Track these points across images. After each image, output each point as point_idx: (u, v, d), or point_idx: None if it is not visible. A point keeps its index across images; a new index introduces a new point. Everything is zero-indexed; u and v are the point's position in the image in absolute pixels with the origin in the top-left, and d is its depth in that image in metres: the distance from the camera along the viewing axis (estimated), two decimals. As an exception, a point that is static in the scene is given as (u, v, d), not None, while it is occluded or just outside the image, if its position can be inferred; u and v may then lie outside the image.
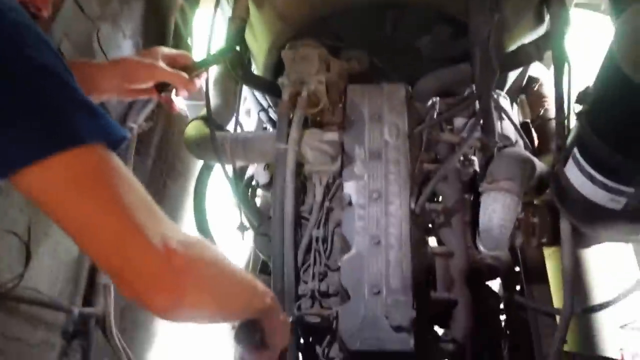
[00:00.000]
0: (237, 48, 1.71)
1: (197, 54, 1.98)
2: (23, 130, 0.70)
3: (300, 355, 1.55)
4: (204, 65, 1.49)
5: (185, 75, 1.37)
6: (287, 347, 1.10)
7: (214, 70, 2.08)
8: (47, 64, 0.74)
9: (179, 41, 2.37)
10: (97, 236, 0.75)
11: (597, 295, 2.21)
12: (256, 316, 1.00)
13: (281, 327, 1.06)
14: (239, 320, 1.00)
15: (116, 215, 0.75)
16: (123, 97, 1.37)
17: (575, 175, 1.36)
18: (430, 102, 1.75)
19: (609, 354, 2.12)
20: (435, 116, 1.73)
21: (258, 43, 1.91)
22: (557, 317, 1.68)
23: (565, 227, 1.56)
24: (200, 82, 1.47)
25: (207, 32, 1.73)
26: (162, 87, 1.38)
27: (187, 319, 0.87)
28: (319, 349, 1.53)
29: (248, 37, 1.92)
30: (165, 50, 1.38)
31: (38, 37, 0.75)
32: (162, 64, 1.33)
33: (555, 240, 1.68)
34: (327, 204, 1.61)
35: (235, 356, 1.84)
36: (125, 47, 2.06)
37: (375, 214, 1.48)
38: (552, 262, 2.12)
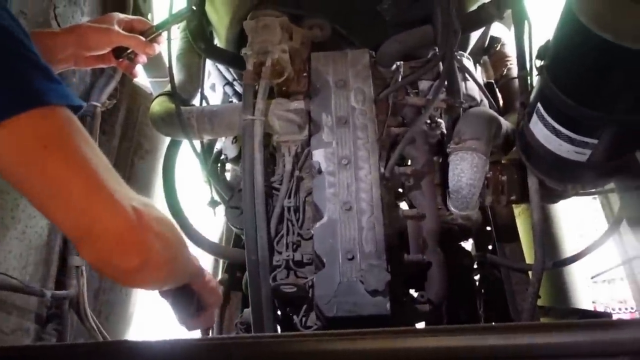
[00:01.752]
0: (194, 8, 1.67)
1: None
2: None
3: (278, 326, 1.55)
4: (162, 27, 1.46)
5: (142, 38, 1.34)
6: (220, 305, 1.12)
7: (175, 45, 2.04)
8: (6, 26, 0.73)
9: (138, 14, 2.32)
10: (65, 197, 0.75)
11: (568, 249, 2.27)
12: (190, 279, 1.01)
13: (212, 287, 1.09)
14: (180, 283, 1.01)
15: (85, 176, 0.76)
16: (80, 66, 1.33)
17: (540, 130, 1.38)
18: (394, 66, 1.74)
19: (582, 307, 2.18)
20: (400, 80, 1.73)
21: (219, 15, 1.87)
22: (530, 273, 1.72)
23: (532, 183, 1.59)
24: (158, 47, 1.44)
25: (167, 7, 1.69)
26: (120, 52, 1.35)
27: (149, 280, 0.88)
28: (296, 319, 1.53)
29: (209, 9, 1.89)
30: (121, 15, 1.34)
31: None
32: (118, 29, 1.29)
33: (523, 197, 1.71)
34: (297, 173, 1.60)
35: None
36: (83, 24, 2.01)
37: (345, 180, 1.48)
38: (521, 219, 2.16)
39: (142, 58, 1.40)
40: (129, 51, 1.36)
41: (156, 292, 1.00)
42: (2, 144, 0.71)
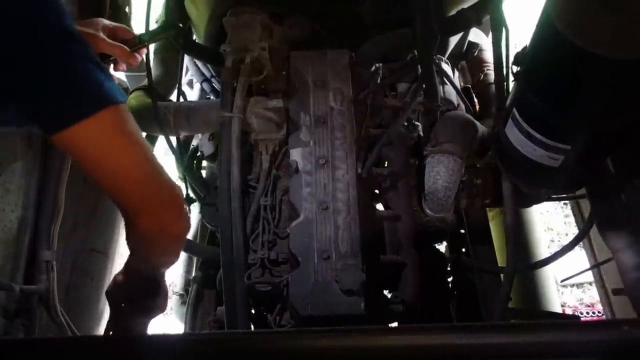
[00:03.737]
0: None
1: (136, 23, 1.92)
2: (72, 91, 0.84)
3: (251, 325, 1.55)
4: (145, 39, 1.45)
5: (127, 48, 1.33)
6: None
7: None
8: (77, 33, 0.85)
9: (117, 11, 2.28)
10: (136, 175, 0.92)
11: (539, 253, 2.31)
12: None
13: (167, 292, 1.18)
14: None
15: (148, 157, 0.93)
16: None
17: (514, 135, 1.40)
18: (373, 68, 1.75)
19: (551, 310, 2.22)
20: (378, 81, 1.73)
21: (199, 11, 1.86)
22: (502, 276, 1.74)
23: (507, 187, 1.61)
24: (141, 57, 1.43)
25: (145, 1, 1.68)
26: (102, 59, 1.33)
27: (181, 247, 1.09)
28: (270, 318, 1.53)
29: (188, 5, 1.87)
30: (106, 22, 1.33)
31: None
32: (104, 36, 1.28)
33: (497, 201, 1.73)
34: (274, 171, 1.60)
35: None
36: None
37: (322, 179, 1.48)
38: (494, 223, 2.19)
39: (122, 67, 1.39)
40: (110, 59, 1.35)
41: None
42: (86, 136, 0.85)
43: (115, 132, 0.88)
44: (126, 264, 1.04)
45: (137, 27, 1.79)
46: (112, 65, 1.38)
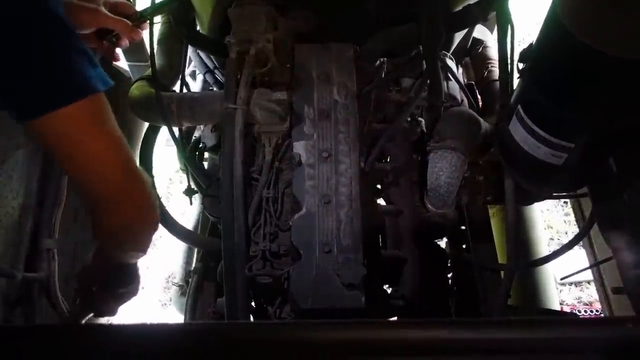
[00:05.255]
0: None
1: (139, 3, 1.90)
2: (46, 79, 0.81)
3: (251, 317, 1.55)
4: (147, 13, 1.44)
5: (129, 22, 1.32)
6: None
7: (157, 29, 2.01)
8: (62, 17, 0.82)
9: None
10: (104, 169, 0.90)
11: (539, 251, 2.31)
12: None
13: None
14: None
15: (120, 152, 0.91)
16: None
17: (518, 132, 1.39)
18: (378, 62, 1.75)
19: (550, 308, 2.23)
20: (383, 76, 1.73)
21: (203, 1, 1.85)
22: (502, 273, 1.75)
23: (509, 184, 1.61)
24: (142, 32, 1.42)
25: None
26: (103, 34, 1.33)
27: (148, 244, 1.05)
28: (270, 310, 1.53)
29: (192, -4, 1.87)
30: None
31: None
32: (105, 10, 1.27)
33: (499, 198, 1.73)
34: (276, 164, 1.60)
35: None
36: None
37: (325, 173, 1.48)
38: (495, 220, 2.19)
39: (125, 42, 1.38)
40: (112, 34, 1.34)
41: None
42: (60, 126, 0.83)
43: (92, 122, 0.87)
44: (95, 251, 1.04)
45: (140, 3, 1.78)
46: (114, 41, 1.38)
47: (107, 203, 0.93)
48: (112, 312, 1.10)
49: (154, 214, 1.01)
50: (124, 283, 1.07)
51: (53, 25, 0.82)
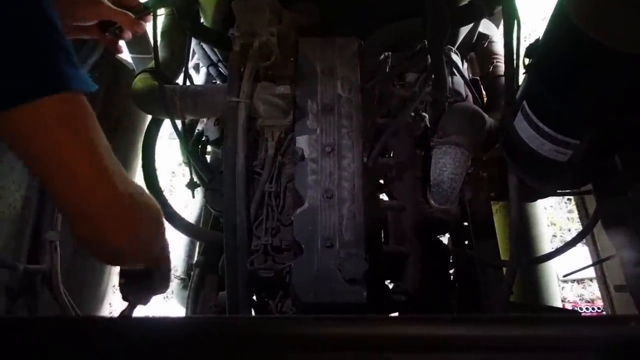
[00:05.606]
0: None
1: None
2: (17, 70, 0.74)
3: (253, 311, 1.55)
4: (150, 5, 1.43)
5: (132, 15, 1.32)
6: None
7: (160, 21, 2.00)
8: (45, 8, 0.76)
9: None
10: (73, 176, 0.80)
11: (542, 248, 2.30)
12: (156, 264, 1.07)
13: (168, 276, 1.14)
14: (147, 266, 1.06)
15: (92, 159, 0.81)
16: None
17: (523, 128, 1.39)
18: (382, 57, 1.74)
19: (552, 305, 2.22)
20: (387, 71, 1.72)
21: (207, -6, 1.85)
22: (504, 269, 1.74)
23: (513, 181, 1.60)
24: (145, 24, 1.41)
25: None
26: (106, 26, 1.32)
27: (126, 262, 0.98)
28: (272, 304, 1.53)
29: (196, -12, 1.86)
30: None
31: None
32: (108, 2, 1.27)
33: (502, 194, 1.73)
34: (279, 158, 1.59)
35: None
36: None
37: (328, 168, 1.48)
38: (498, 216, 2.18)
39: (128, 34, 1.37)
40: (115, 26, 1.33)
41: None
42: (25, 122, 0.76)
43: (62, 123, 0.78)
44: None
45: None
46: (117, 33, 1.37)
47: (73, 214, 0.85)
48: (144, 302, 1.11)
49: (124, 237, 0.88)
50: (132, 291, 1.06)
51: (35, 18, 0.76)
